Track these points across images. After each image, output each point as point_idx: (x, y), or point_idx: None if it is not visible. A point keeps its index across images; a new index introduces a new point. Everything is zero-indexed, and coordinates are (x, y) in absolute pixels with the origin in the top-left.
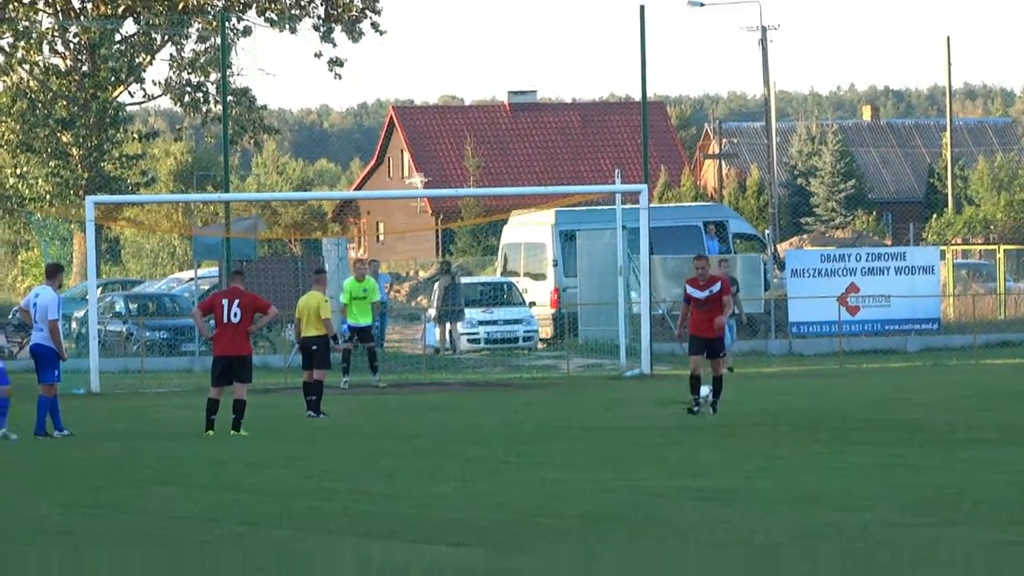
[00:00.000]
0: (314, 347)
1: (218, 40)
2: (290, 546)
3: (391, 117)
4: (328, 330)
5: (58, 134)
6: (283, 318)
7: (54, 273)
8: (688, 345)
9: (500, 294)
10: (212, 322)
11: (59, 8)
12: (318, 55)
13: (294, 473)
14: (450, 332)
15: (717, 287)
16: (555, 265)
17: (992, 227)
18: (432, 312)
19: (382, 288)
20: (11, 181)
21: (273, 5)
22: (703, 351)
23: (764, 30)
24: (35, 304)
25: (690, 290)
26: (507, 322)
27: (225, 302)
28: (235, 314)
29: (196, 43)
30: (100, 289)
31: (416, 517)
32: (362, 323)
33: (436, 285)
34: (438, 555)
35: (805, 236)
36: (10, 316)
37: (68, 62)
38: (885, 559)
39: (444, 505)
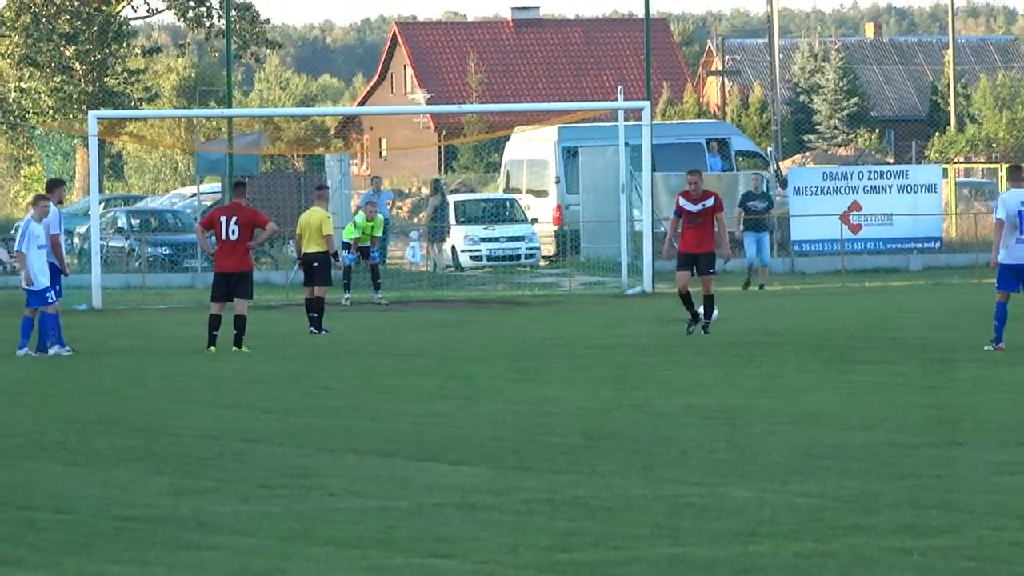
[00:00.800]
0: (315, 264)
1: None
2: (291, 462)
3: (394, 33)
4: (330, 247)
5: (61, 48)
6: (285, 234)
7: (54, 187)
8: (677, 261)
9: (502, 211)
10: (213, 238)
11: None
12: None
13: (295, 390)
14: (437, 250)
15: (710, 201)
16: (557, 182)
17: (994, 145)
18: (415, 232)
19: (383, 204)
20: (14, 95)
21: None
22: (692, 267)
23: None
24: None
25: (683, 202)
26: (509, 239)
27: (224, 218)
28: (233, 231)
29: None
30: (102, 205)
31: (417, 435)
32: (365, 242)
33: (429, 203)
34: (439, 472)
35: (808, 154)
36: (12, 231)
37: None
38: (886, 480)
39: (445, 423)
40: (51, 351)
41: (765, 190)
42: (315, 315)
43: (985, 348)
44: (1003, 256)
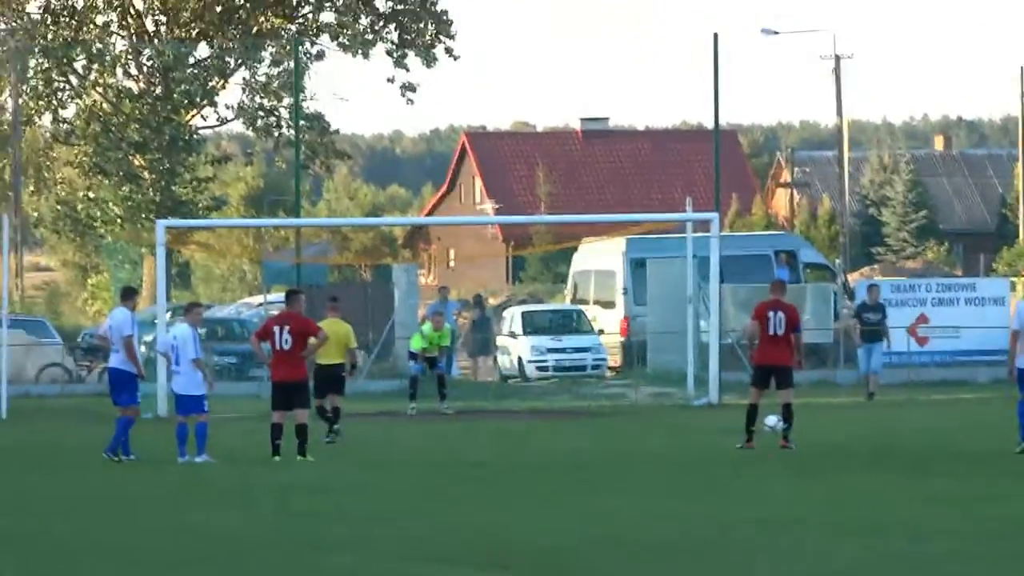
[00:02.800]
0: (334, 374)
1: (291, 64)
2: (357, 570)
3: (463, 143)
4: (351, 359)
5: (130, 157)
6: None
7: (128, 295)
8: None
9: (569, 322)
10: (268, 347)
11: (133, 31)
12: (391, 80)
13: (360, 499)
14: (478, 364)
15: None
16: (625, 293)
17: None
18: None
19: (450, 314)
20: (82, 205)
21: (346, 30)
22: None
23: (838, 59)
24: (110, 327)
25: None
26: (576, 350)
27: (277, 328)
28: (286, 340)
29: (269, 67)
30: (170, 313)
31: (481, 544)
32: (432, 352)
33: (465, 317)
34: None
35: (876, 266)
36: (79, 339)
37: (141, 85)
38: None
39: (510, 533)
40: (111, 455)
41: (880, 301)
42: (332, 419)
43: (1016, 451)
44: (1022, 361)
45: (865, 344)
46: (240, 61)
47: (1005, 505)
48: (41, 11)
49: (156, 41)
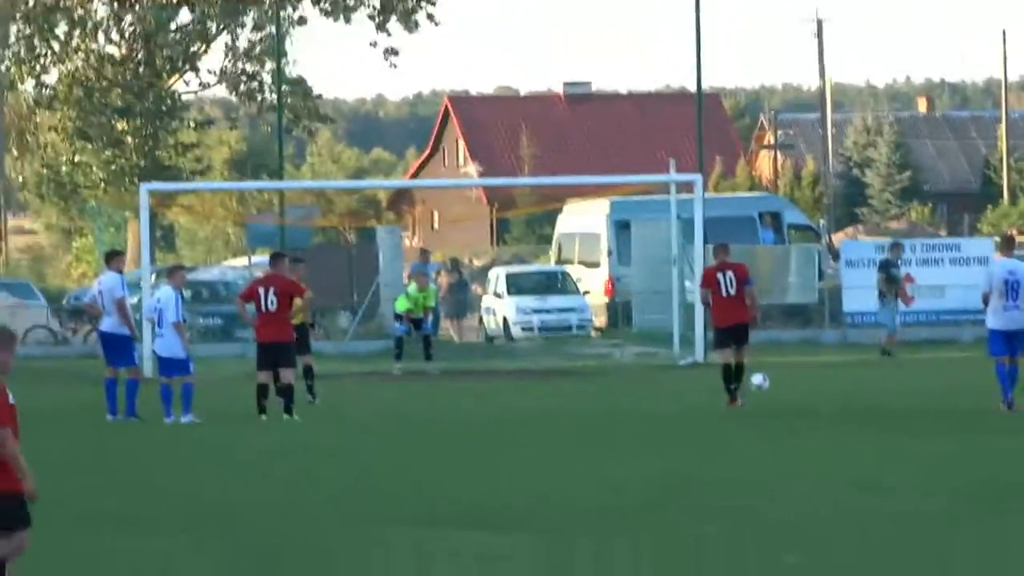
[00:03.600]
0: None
1: (273, 29)
2: (340, 532)
3: (446, 107)
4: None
5: (113, 122)
6: (336, 305)
7: (114, 258)
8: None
9: (554, 283)
10: (253, 308)
11: None
12: (373, 44)
13: (345, 459)
14: (455, 328)
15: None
16: (609, 254)
17: None
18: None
19: (432, 275)
20: (66, 169)
21: None
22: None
23: (819, 21)
24: (100, 291)
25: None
26: (561, 310)
27: (261, 290)
28: (271, 301)
29: (251, 32)
30: (154, 276)
31: (470, 505)
32: (417, 313)
33: (441, 281)
34: (489, 542)
35: (860, 227)
36: (64, 302)
37: (123, 51)
38: (941, 550)
39: (492, 492)
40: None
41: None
42: (310, 383)
43: (1000, 406)
44: (992, 322)
45: (891, 300)
46: (222, 26)
47: (984, 466)
48: None
49: (138, 6)
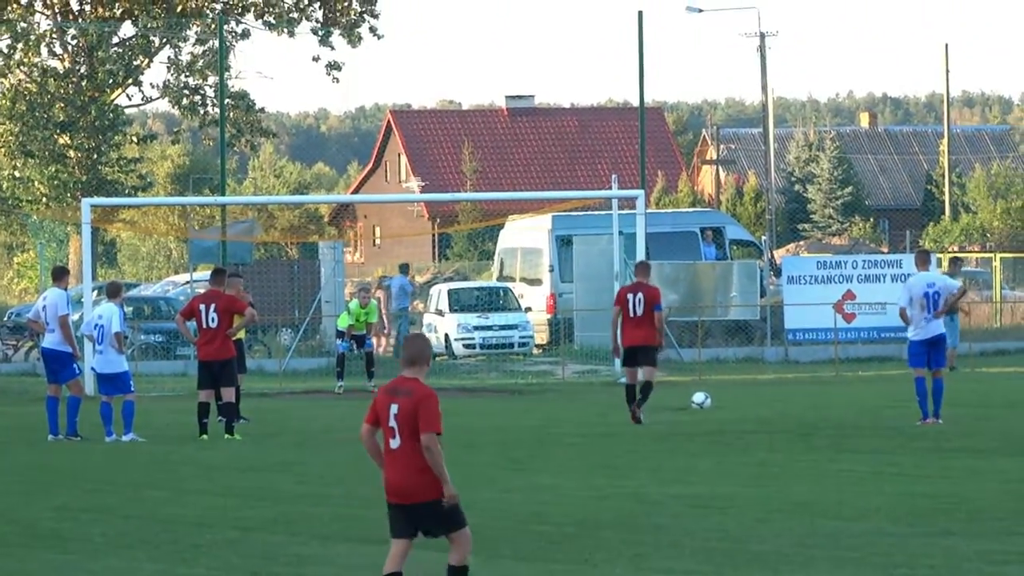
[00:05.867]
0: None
1: (216, 43)
2: (284, 551)
3: (388, 121)
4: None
5: (56, 136)
6: (278, 321)
7: (61, 275)
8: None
9: (496, 299)
10: (194, 326)
11: (57, 10)
12: (316, 59)
13: (288, 478)
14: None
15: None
16: (551, 270)
17: (989, 235)
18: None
19: (405, 291)
20: (7, 183)
21: (271, 9)
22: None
23: (762, 36)
24: (43, 307)
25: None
26: (503, 327)
27: (203, 307)
28: (212, 319)
29: (194, 46)
30: (95, 292)
31: None
32: (359, 330)
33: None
34: (432, 560)
35: (802, 243)
36: (5, 318)
37: (66, 64)
38: (879, 569)
39: None
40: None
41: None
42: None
43: (916, 424)
44: (913, 334)
45: (952, 316)
46: (165, 40)
47: (929, 483)
48: None
49: (80, 20)
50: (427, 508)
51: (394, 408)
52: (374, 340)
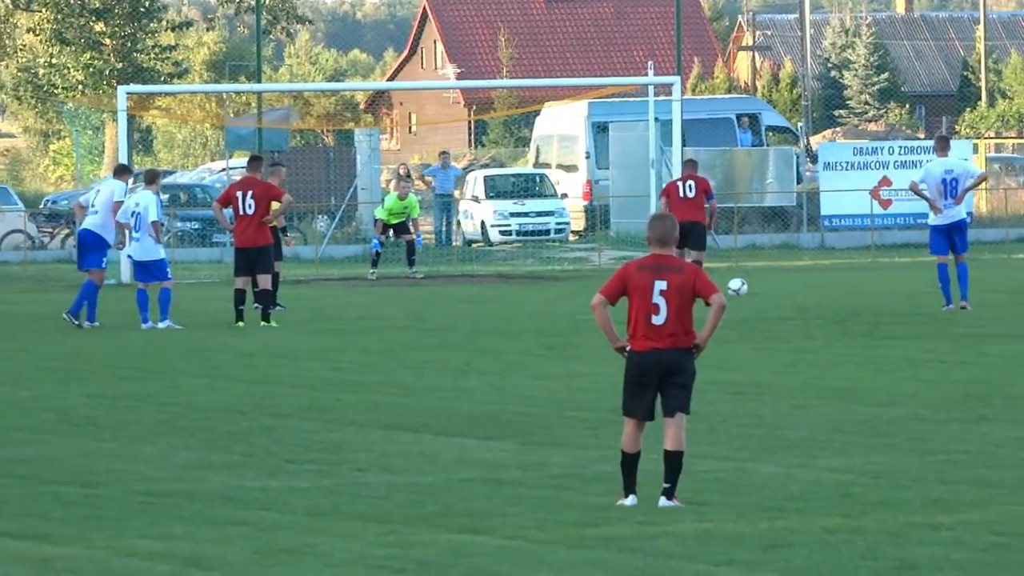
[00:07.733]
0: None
1: None
2: (319, 437)
3: (424, 8)
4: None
5: (91, 23)
6: (314, 208)
7: (153, 179)
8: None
9: (532, 186)
10: (231, 213)
11: None
12: None
13: (323, 365)
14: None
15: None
16: (587, 157)
17: None
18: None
19: (452, 180)
20: (44, 71)
21: None
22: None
23: None
24: (97, 191)
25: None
26: (539, 214)
27: (239, 194)
28: (249, 205)
29: None
30: (131, 179)
31: (445, 410)
32: (393, 221)
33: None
34: (467, 447)
35: (838, 129)
36: (41, 206)
37: None
38: (915, 455)
39: (473, 398)
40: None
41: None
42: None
43: (942, 309)
44: (934, 220)
45: None
46: None
47: (964, 370)
48: None
49: None
50: (677, 357)
51: (661, 284)
52: (415, 234)
